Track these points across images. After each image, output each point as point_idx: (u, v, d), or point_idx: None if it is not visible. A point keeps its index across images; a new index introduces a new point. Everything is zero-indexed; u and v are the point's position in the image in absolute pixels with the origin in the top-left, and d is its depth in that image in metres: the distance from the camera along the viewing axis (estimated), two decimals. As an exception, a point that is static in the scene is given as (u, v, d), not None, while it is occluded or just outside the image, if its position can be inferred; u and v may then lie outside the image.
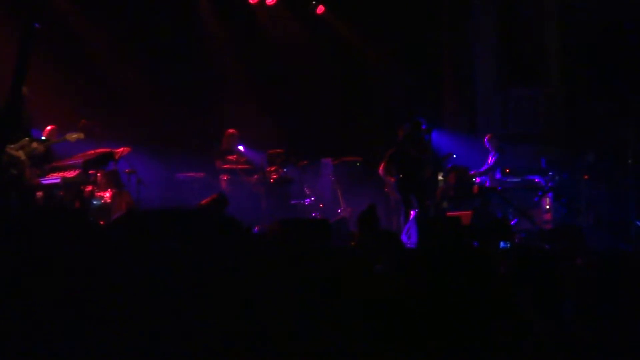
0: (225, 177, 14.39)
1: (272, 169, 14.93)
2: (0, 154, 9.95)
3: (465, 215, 12.64)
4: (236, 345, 6.45)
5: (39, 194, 12.10)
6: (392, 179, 13.69)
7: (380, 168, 14.08)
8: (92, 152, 12.82)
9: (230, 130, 15.01)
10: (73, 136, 11.88)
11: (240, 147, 15.13)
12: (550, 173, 15.58)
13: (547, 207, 15.45)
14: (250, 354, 6.44)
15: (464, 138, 17.73)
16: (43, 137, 12.37)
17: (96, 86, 15.18)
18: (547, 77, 18.84)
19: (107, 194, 12.65)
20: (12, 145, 10.50)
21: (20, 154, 10.59)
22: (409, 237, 11.38)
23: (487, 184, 15.51)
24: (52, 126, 12.96)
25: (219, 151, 14.82)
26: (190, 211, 8.99)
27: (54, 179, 12.26)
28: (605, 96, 17.74)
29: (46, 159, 12.25)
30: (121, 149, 13.04)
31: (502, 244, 10.75)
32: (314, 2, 17.60)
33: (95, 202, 12.47)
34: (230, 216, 9.22)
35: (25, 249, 6.11)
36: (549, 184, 15.48)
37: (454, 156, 15.49)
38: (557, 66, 18.72)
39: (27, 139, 10.84)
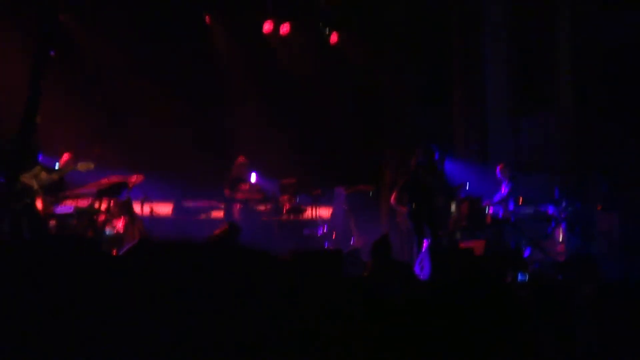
0: (237, 207, 14.38)
1: (285, 198, 14.91)
2: (14, 182, 9.98)
3: (478, 245, 12.58)
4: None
5: (52, 222, 12.12)
6: (404, 209, 13.65)
7: (392, 197, 14.03)
8: (106, 180, 12.83)
9: (240, 159, 15.01)
10: (84, 166, 11.90)
11: (253, 176, 15.12)
12: (564, 203, 15.51)
13: (561, 237, 15.39)
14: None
15: (476, 167, 17.68)
16: (56, 167, 12.40)
17: (110, 114, 15.23)
18: (560, 103, 18.80)
19: (120, 223, 12.65)
20: (26, 174, 10.52)
21: (33, 183, 10.60)
22: (421, 268, 11.32)
23: (500, 214, 15.44)
24: (68, 155, 12.97)
25: (228, 180, 14.81)
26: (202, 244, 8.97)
27: (67, 207, 12.27)
28: (619, 123, 17.69)
29: (59, 188, 12.26)
30: (134, 178, 13.04)
31: (520, 276, 10.70)
32: (327, 31, 17.64)
33: (108, 232, 12.47)
34: (244, 245, 9.23)
35: (38, 278, 6.11)
36: (562, 215, 15.41)
37: (467, 186, 15.46)
38: (569, 92, 18.67)
39: (38, 167, 10.85)
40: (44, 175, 10.82)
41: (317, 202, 15.45)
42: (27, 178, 10.52)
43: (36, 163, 10.88)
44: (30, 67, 10.30)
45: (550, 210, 15.69)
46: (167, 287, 6.55)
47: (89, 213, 12.30)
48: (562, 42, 18.69)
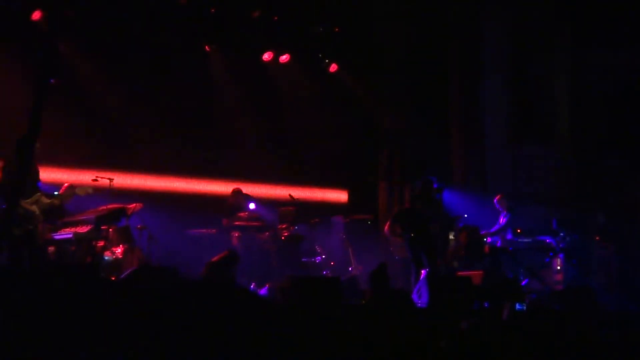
0: (236, 234, 14.40)
1: (284, 226, 14.94)
2: (15, 207, 10.00)
3: (476, 275, 12.59)
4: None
5: (51, 248, 12.12)
6: (397, 239, 13.69)
7: (386, 227, 14.07)
8: (105, 207, 12.83)
9: (235, 188, 15.09)
10: (83, 190, 11.92)
11: (252, 205, 15.16)
12: (562, 234, 15.54)
13: (558, 267, 15.41)
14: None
15: (474, 197, 17.70)
16: (56, 193, 12.40)
17: (109, 141, 15.25)
18: (558, 135, 18.85)
19: (119, 250, 12.66)
20: (27, 200, 10.53)
21: (35, 209, 10.61)
22: (419, 297, 11.33)
23: (499, 244, 15.46)
24: (68, 183, 12.96)
25: (225, 208, 14.86)
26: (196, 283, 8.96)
27: (66, 234, 12.28)
28: (617, 156, 17.73)
29: (59, 214, 12.26)
30: (133, 205, 13.04)
31: (518, 306, 10.70)
32: (327, 61, 17.71)
33: (106, 258, 12.47)
34: (236, 284, 9.24)
35: (37, 304, 6.12)
36: (560, 245, 15.45)
37: (465, 216, 15.50)
38: (568, 125, 18.73)
39: (39, 193, 10.87)
40: (44, 200, 10.83)
41: (315, 230, 15.50)
42: (28, 204, 10.54)
43: (37, 190, 10.90)
44: (30, 95, 10.33)
45: (548, 240, 15.72)
46: (163, 314, 6.57)
47: (88, 239, 12.30)
48: (561, 76, 18.78)
